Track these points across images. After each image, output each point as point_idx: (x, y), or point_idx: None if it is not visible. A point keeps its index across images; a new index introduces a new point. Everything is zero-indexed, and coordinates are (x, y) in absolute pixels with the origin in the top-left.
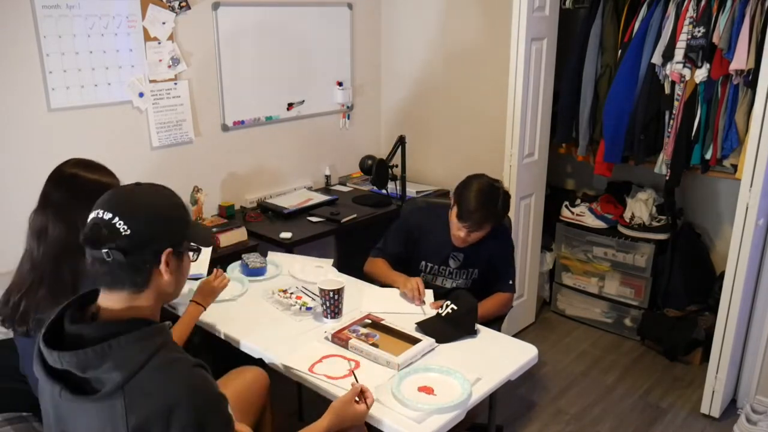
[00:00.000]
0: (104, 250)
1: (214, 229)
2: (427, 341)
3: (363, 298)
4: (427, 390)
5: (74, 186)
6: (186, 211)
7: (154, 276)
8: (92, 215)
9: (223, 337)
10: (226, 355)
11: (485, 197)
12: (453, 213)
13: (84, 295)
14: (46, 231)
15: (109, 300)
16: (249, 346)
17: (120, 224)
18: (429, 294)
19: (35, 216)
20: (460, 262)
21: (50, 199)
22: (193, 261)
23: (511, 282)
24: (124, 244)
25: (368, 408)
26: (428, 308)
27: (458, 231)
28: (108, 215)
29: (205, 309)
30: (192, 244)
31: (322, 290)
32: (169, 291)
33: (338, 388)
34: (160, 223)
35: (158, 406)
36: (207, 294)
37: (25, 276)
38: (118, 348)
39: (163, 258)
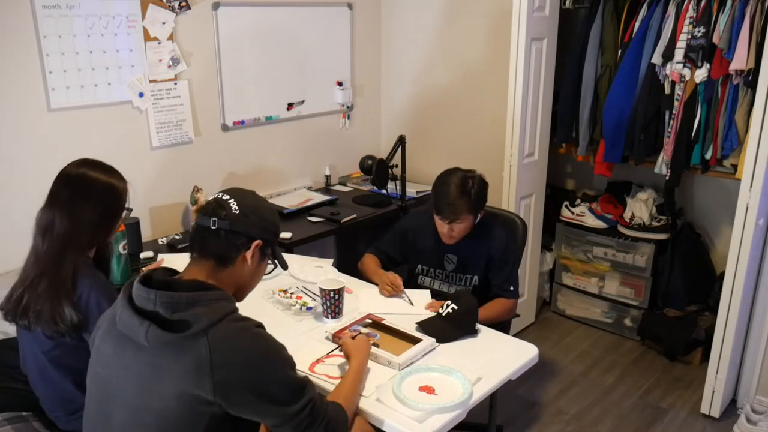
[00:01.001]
0: (212, 219)
1: None
2: (427, 341)
3: (363, 298)
4: (428, 390)
5: (82, 185)
6: (279, 231)
7: (239, 260)
8: (213, 195)
9: None
10: None
11: (457, 187)
12: (434, 211)
13: (167, 268)
14: (53, 227)
15: (195, 267)
16: None
17: (233, 204)
18: (426, 293)
19: (42, 213)
20: (455, 264)
21: (58, 196)
22: (266, 273)
23: (512, 288)
24: (230, 218)
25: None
26: (415, 300)
27: (441, 228)
28: (226, 197)
29: None
30: (273, 256)
31: (322, 290)
32: (242, 284)
33: None
34: (263, 220)
35: (239, 352)
36: None
37: (29, 271)
38: (205, 300)
39: (253, 246)
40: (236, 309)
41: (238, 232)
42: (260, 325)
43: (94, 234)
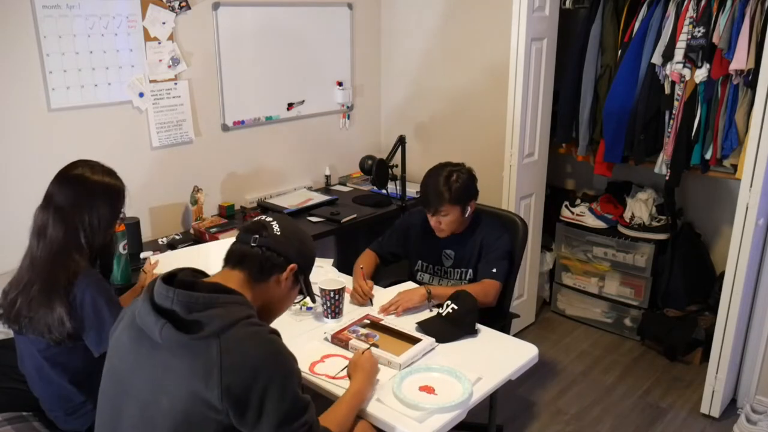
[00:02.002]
0: (254, 236)
1: (214, 230)
2: (427, 341)
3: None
4: (428, 390)
5: (78, 186)
6: (314, 262)
7: (273, 280)
8: (257, 218)
9: None
10: None
11: (441, 178)
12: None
13: (194, 269)
14: (46, 230)
15: (226, 275)
16: None
17: (275, 226)
18: (407, 285)
19: (38, 213)
20: (453, 260)
21: (53, 199)
22: (294, 303)
23: (494, 270)
24: (270, 239)
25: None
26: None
27: (431, 220)
28: (269, 219)
29: None
30: (305, 285)
31: (322, 290)
32: (271, 307)
33: (340, 388)
34: (302, 245)
35: (249, 357)
36: None
37: (24, 273)
38: (223, 302)
39: (288, 269)
40: (252, 314)
41: (278, 251)
42: (275, 332)
43: (89, 237)
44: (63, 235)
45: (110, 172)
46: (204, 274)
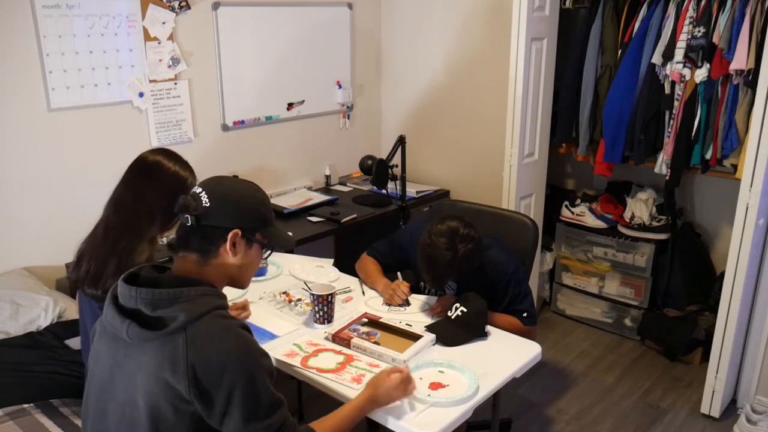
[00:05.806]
0: (185, 216)
1: None
2: (428, 336)
3: (365, 297)
4: (435, 385)
5: (155, 172)
6: (267, 209)
7: (220, 252)
8: (191, 192)
9: None
10: None
11: (437, 266)
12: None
13: (157, 265)
14: (125, 201)
15: (182, 262)
16: None
17: (204, 197)
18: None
19: (117, 188)
20: (455, 291)
21: (133, 177)
22: (264, 258)
23: (525, 315)
24: (200, 213)
25: (405, 390)
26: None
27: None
28: (199, 190)
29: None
30: (265, 240)
31: (318, 296)
32: (234, 274)
33: (331, 382)
34: (237, 208)
35: (215, 352)
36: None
37: (98, 242)
38: (188, 295)
39: (230, 237)
40: (222, 305)
41: (212, 224)
42: (245, 327)
43: (161, 216)
44: (139, 207)
45: (185, 164)
46: (167, 268)
